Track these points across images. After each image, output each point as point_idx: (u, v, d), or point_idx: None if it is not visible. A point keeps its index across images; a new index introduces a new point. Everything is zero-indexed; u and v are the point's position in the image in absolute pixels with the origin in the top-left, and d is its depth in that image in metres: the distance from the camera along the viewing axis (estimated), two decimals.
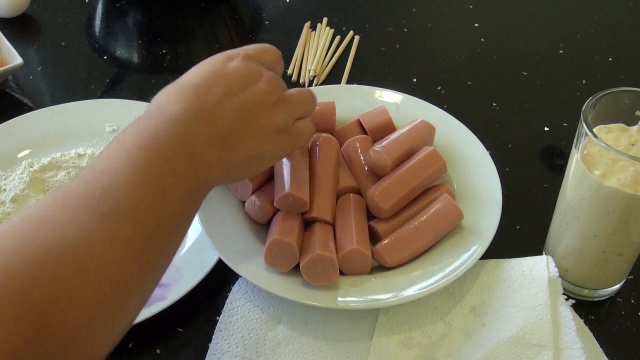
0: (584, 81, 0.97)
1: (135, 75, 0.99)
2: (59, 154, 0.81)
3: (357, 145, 0.76)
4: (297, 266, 0.66)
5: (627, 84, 0.69)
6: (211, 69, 0.57)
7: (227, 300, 0.67)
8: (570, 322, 0.64)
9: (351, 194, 0.73)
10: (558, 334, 0.63)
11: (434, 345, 0.64)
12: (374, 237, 0.71)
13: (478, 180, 0.75)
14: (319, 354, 0.63)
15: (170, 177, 0.49)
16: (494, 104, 0.92)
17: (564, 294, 0.66)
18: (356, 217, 0.70)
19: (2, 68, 0.89)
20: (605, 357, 0.64)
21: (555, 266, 0.67)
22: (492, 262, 0.69)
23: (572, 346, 0.62)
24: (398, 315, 0.66)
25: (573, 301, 0.67)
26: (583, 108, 0.60)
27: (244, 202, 0.73)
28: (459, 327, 0.65)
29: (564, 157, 0.83)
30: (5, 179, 0.79)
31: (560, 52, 1.02)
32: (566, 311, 0.65)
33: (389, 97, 0.85)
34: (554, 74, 0.99)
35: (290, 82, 0.95)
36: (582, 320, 0.67)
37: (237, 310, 0.66)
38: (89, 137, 0.84)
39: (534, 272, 0.67)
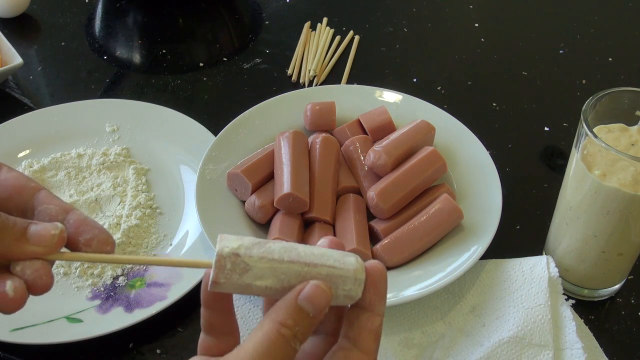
0: (584, 81, 0.97)
1: (135, 75, 0.99)
2: (59, 154, 0.81)
3: (357, 145, 0.76)
4: None
5: (627, 84, 0.69)
6: None
7: None
8: (570, 322, 0.64)
9: (351, 194, 0.73)
10: (558, 334, 0.63)
11: (434, 345, 0.64)
12: (374, 237, 0.71)
13: (478, 180, 0.75)
14: None
15: None
16: (494, 104, 0.92)
17: (564, 294, 0.66)
18: (356, 217, 0.70)
19: (2, 68, 0.89)
20: (605, 357, 0.64)
21: (556, 266, 0.67)
22: (492, 262, 0.69)
23: (572, 346, 0.62)
24: (398, 315, 0.66)
25: (573, 301, 0.67)
26: (583, 108, 0.59)
27: (244, 202, 0.73)
28: (459, 327, 0.65)
29: (564, 157, 0.83)
30: None
31: (560, 52, 1.02)
32: (566, 311, 0.65)
33: (389, 97, 0.85)
34: (554, 74, 0.99)
35: (291, 82, 0.95)
36: (582, 320, 0.67)
37: (237, 310, 0.66)
38: (89, 137, 0.84)
39: (534, 272, 0.67)
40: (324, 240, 0.41)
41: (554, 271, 0.66)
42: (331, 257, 0.39)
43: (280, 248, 0.38)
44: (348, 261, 0.39)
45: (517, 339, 0.62)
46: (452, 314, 0.66)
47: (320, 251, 0.39)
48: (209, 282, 0.38)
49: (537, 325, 0.63)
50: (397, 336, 0.64)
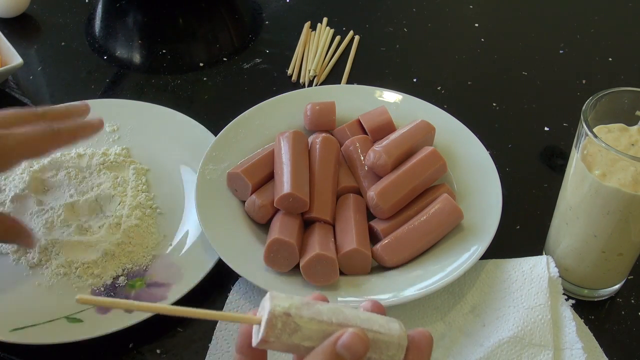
0: (584, 81, 0.97)
1: (135, 75, 0.99)
2: (59, 154, 0.81)
3: (357, 145, 0.76)
4: (297, 266, 0.66)
5: (627, 84, 0.69)
6: None
7: (227, 300, 0.67)
8: (570, 322, 0.64)
9: (351, 194, 0.73)
10: (558, 334, 0.63)
11: (434, 345, 0.64)
12: (374, 237, 0.71)
13: (478, 180, 0.75)
14: None
15: None
16: (494, 104, 0.92)
17: (564, 294, 0.66)
18: (356, 217, 0.70)
19: (2, 68, 0.89)
20: (605, 357, 0.64)
21: (556, 266, 0.67)
22: (492, 262, 0.69)
23: (572, 346, 0.62)
24: (398, 315, 0.66)
25: (573, 301, 0.67)
26: (583, 108, 0.60)
27: (244, 202, 0.73)
28: (459, 327, 0.65)
29: (564, 157, 0.83)
30: (5, 179, 0.79)
31: (560, 52, 1.02)
32: (566, 311, 0.65)
33: (389, 97, 0.85)
34: (554, 74, 0.99)
35: (291, 82, 0.95)
36: (582, 320, 0.67)
37: (237, 310, 0.66)
38: None
39: (534, 272, 0.67)
40: (367, 304, 0.43)
41: (554, 271, 0.66)
42: (376, 322, 0.40)
43: (327, 310, 0.39)
44: (393, 327, 0.41)
45: (517, 339, 0.62)
46: (452, 314, 0.66)
47: (366, 315, 0.40)
48: (258, 340, 0.38)
49: (537, 325, 0.63)
50: None
